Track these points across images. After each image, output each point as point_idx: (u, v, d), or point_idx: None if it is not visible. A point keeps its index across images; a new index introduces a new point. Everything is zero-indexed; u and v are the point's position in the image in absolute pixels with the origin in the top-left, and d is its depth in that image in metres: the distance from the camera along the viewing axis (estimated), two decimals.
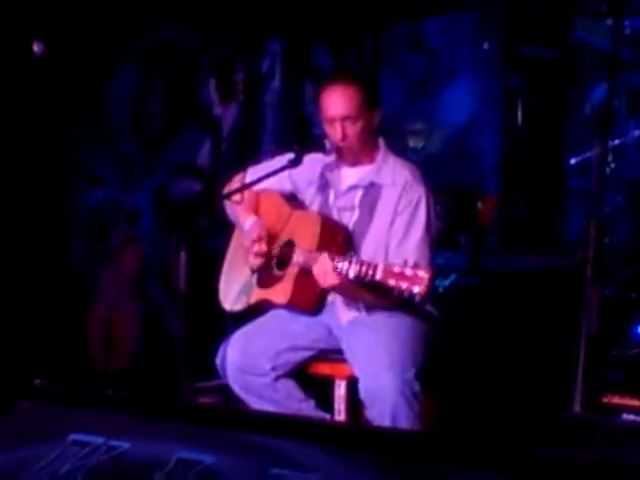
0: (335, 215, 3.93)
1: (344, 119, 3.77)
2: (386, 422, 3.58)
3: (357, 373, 3.72)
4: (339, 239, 3.83)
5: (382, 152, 3.91)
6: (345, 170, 3.95)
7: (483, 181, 6.05)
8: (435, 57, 6.52)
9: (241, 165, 4.35)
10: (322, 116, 3.86)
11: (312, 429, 2.73)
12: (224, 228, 4.41)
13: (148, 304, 6.04)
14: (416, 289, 3.35)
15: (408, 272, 3.36)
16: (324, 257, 3.62)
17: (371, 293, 3.65)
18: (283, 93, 6.79)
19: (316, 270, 3.64)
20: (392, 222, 3.78)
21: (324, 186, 3.98)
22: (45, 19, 5.57)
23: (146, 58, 6.51)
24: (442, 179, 5.75)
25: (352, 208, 3.89)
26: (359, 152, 3.88)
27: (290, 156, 3.85)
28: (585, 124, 5.38)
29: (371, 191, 3.87)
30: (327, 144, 3.84)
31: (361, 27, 6.69)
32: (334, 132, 3.80)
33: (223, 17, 6.39)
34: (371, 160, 3.91)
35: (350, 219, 3.89)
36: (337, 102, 3.79)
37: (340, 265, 3.57)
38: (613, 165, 4.86)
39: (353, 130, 3.79)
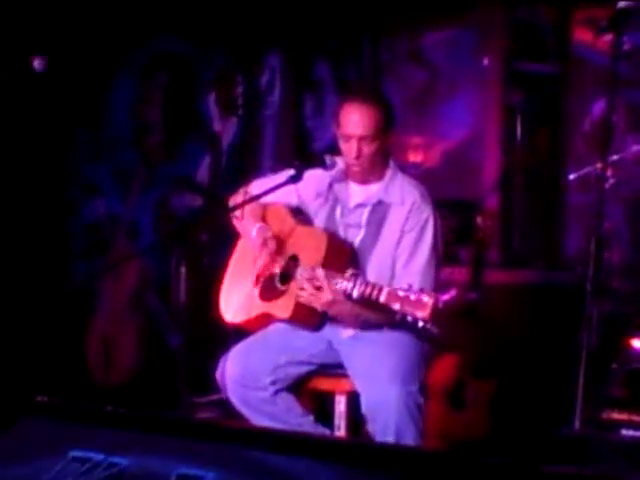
0: (341, 232, 3.90)
1: (361, 139, 3.73)
2: (389, 435, 3.58)
3: (359, 387, 3.72)
4: (344, 257, 3.80)
5: (391, 170, 3.87)
6: (353, 187, 3.91)
7: (483, 196, 6.05)
8: (436, 72, 6.54)
9: (240, 180, 4.35)
10: (338, 131, 3.81)
11: (312, 445, 2.73)
12: (225, 242, 4.41)
13: (148, 318, 6.03)
14: (420, 314, 3.36)
15: (412, 297, 3.37)
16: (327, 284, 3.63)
17: (373, 312, 3.65)
18: (282, 107, 6.80)
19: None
20: (399, 241, 3.76)
21: (331, 200, 3.94)
22: (45, 32, 5.57)
23: (146, 70, 6.51)
24: (442, 193, 5.76)
25: (359, 226, 3.86)
26: (369, 171, 3.84)
27: (291, 172, 3.83)
28: (584, 139, 5.39)
29: (379, 209, 3.84)
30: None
31: (361, 40, 6.71)
32: (349, 149, 3.76)
33: (222, 31, 6.40)
34: (379, 178, 3.87)
35: (356, 237, 3.86)
36: (357, 121, 3.73)
37: (345, 285, 3.59)
38: (612, 180, 4.86)
39: (368, 150, 3.75)
